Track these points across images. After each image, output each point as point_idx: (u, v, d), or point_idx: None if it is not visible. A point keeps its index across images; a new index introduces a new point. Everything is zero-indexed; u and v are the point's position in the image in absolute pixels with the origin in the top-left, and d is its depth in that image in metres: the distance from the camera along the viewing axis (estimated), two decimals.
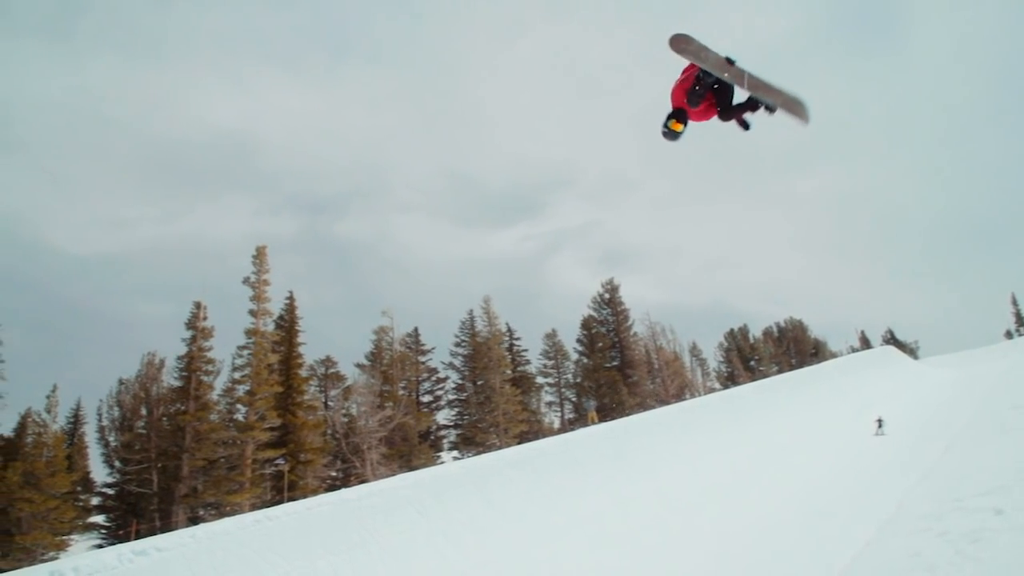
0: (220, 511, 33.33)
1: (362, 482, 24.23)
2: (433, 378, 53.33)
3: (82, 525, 39.32)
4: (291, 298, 44.74)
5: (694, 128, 6.27)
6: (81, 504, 41.42)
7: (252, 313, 38.43)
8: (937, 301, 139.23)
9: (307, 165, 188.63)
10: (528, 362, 59.68)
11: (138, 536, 28.48)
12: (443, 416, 52.43)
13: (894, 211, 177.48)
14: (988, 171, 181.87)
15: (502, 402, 48.27)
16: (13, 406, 46.68)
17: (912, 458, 16.25)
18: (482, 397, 49.68)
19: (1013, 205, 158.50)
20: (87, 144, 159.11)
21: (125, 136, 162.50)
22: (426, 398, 52.31)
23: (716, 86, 6.09)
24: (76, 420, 52.09)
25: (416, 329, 54.15)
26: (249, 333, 38.05)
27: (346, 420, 43.30)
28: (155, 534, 12.24)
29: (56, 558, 29.85)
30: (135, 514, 38.90)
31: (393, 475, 17.59)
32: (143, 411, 44.01)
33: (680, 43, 5.83)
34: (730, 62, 5.87)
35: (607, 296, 61.98)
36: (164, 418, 40.70)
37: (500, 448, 33.83)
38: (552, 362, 60.41)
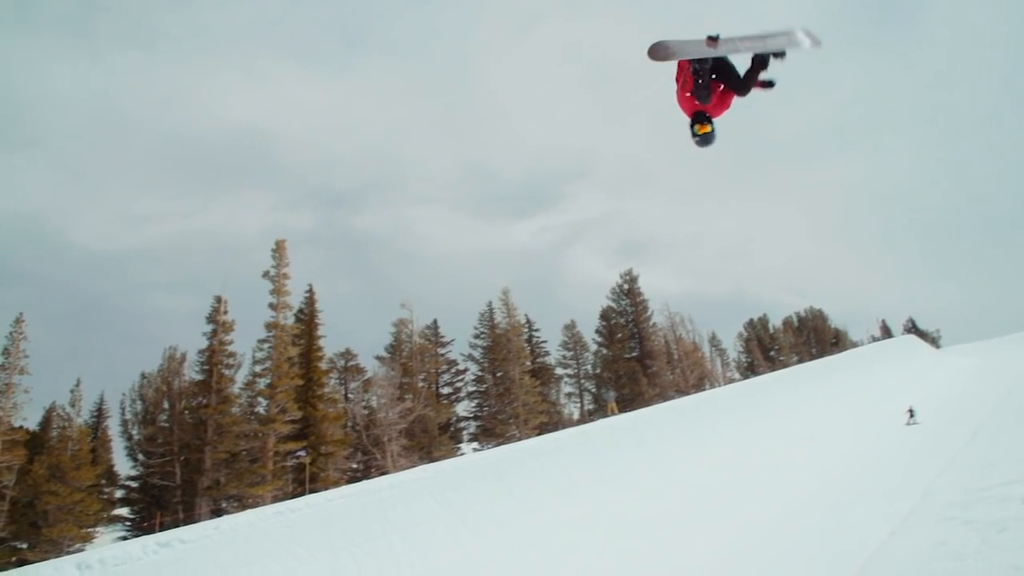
0: (242, 503, 33.59)
1: (383, 474, 24.30)
2: (452, 370, 53.42)
3: (107, 517, 39.80)
4: (311, 291, 44.95)
5: (721, 120, 5.89)
6: (105, 497, 41.94)
7: (272, 307, 38.66)
8: (959, 290, 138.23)
9: (324, 159, 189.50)
10: (547, 353, 59.75)
11: (162, 528, 28.75)
12: (463, 408, 52.56)
13: (916, 200, 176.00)
14: (1012, 159, 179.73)
15: (521, 393, 48.33)
16: (38, 401, 47.49)
17: (937, 447, 16.13)
18: (501, 388, 49.76)
19: None
20: (107, 141, 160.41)
21: (144, 133, 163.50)
22: (446, 390, 52.39)
23: (715, 70, 5.74)
24: (100, 414, 52.55)
25: (435, 321, 54.24)
26: (269, 327, 38.30)
27: (366, 412, 43.45)
28: (179, 526, 12.33)
29: (82, 550, 30.19)
30: (159, 506, 39.34)
31: (413, 467, 17.66)
32: (165, 405, 44.43)
33: (658, 52, 5.54)
34: (712, 39, 5.52)
35: (626, 286, 61.83)
36: (186, 411, 41.07)
37: (520, 439, 33.89)
38: (571, 353, 60.35)
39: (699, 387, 56.32)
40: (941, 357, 46.95)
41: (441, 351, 53.41)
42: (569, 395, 60.00)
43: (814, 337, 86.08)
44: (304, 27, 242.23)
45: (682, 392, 49.22)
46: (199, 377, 39.50)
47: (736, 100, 5.89)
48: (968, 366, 39.49)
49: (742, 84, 5.80)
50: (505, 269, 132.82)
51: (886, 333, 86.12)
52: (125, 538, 36.55)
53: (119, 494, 45.04)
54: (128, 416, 46.87)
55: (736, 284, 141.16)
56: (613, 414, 32.34)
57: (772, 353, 76.78)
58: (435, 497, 11.80)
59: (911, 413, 21.50)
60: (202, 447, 36.43)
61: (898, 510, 10.54)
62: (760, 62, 5.71)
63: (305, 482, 35.21)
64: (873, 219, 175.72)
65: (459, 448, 47.54)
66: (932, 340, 75.49)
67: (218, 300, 39.65)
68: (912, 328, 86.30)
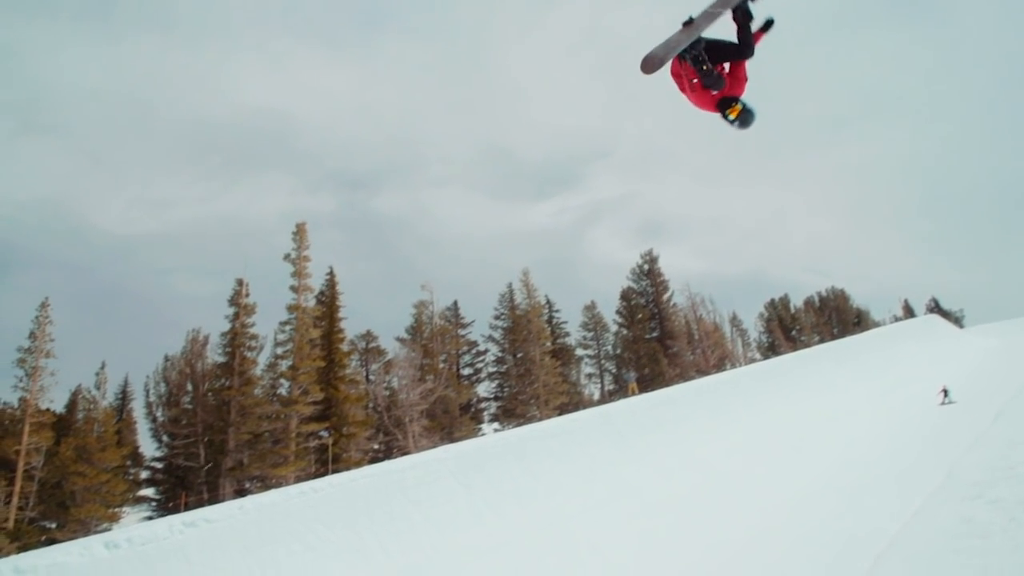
0: (266, 484, 33.94)
1: (404, 454, 24.47)
2: (473, 351, 53.70)
3: (133, 498, 40.43)
4: (331, 274, 45.25)
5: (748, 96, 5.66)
6: (131, 478, 42.55)
7: (293, 289, 38.92)
8: (983, 269, 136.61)
9: (343, 141, 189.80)
10: (567, 334, 59.90)
11: (187, 508, 29.16)
12: (483, 388, 52.95)
13: (940, 178, 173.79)
14: None
15: (542, 374, 48.44)
16: (64, 383, 48.09)
17: (960, 427, 16.03)
18: (522, 369, 49.90)
19: None
20: (127, 127, 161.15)
21: (163, 118, 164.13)
22: (466, 371, 52.69)
23: (709, 52, 5.50)
24: (124, 396, 53.22)
25: (455, 302, 54.55)
26: (291, 309, 38.58)
27: (387, 393, 43.73)
28: (203, 506, 12.46)
29: (109, 529, 30.67)
30: (183, 487, 39.84)
31: (435, 447, 17.76)
32: (189, 387, 44.99)
33: (651, 63, 5.32)
34: (687, 23, 5.38)
35: (646, 267, 61.69)
36: (209, 393, 41.52)
37: (540, 420, 34.01)
38: (591, 334, 60.45)
39: (720, 367, 56.07)
40: (964, 337, 46.46)
41: (461, 332, 53.67)
42: (589, 376, 60.23)
43: (835, 317, 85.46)
44: (323, 9, 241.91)
45: (703, 372, 49.15)
46: (222, 359, 39.84)
47: (749, 66, 5.72)
48: (992, 346, 39.12)
49: (742, 46, 5.66)
50: (525, 250, 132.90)
51: (908, 313, 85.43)
52: (151, 518, 37.09)
53: (144, 475, 45.73)
54: (152, 398, 47.56)
55: (757, 264, 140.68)
56: (633, 394, 32.33)
57: (793, 333, 76.37)
58: (457, 477, 11.85)
59: (945, 393, 21.21)
60: (225, 428, 36.82)
61: (922, 489, 10.49)
62: (742, 15, 5.57)
63: (327, 463, 35.49)
64: (897, 198, 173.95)
65: (480, 429, 47.79)
66: (955, 320, 74.71)
67: (240, 283, 39.98)
68: (935, 308, 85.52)
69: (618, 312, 60.07)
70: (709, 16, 5.43)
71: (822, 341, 61.92)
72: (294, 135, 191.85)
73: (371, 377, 47.30)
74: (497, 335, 53.65)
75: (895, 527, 8.85)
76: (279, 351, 38.76)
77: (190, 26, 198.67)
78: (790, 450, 16.26)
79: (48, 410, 36.70)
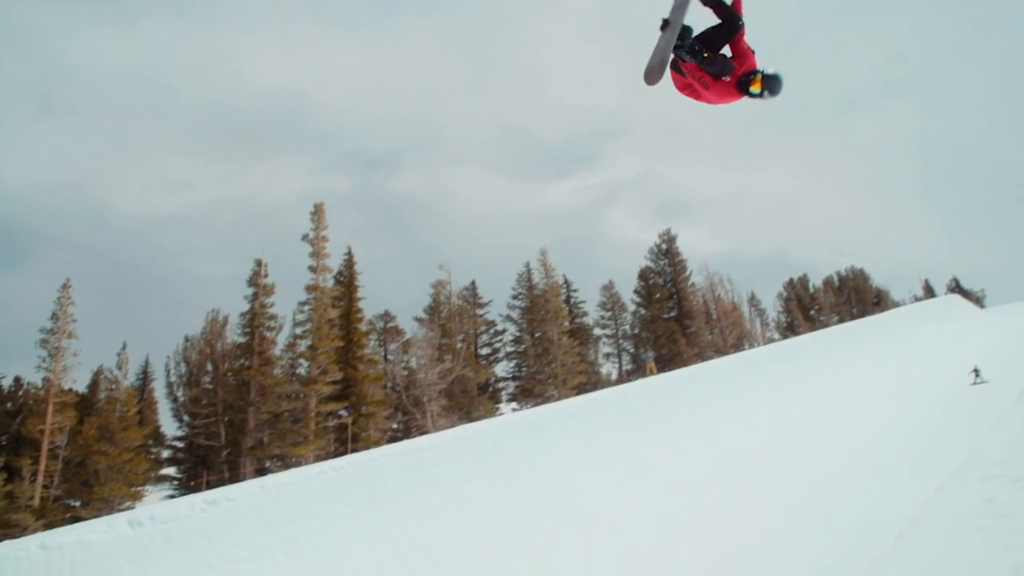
0: (286, 463, 34.20)
1: (423, 434, 24.60)
2: (491, 331, 53.66)
3: (155, 476, 40.95)
4: (349, 254, 45.25)
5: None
6: (153, 457, 43.07)
7: (312, 269, 38.99)
8: (1006, 248, 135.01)
9: (361, 121, 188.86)
10: (585, 314, 59.66)
11: (208, 487, 29.43)
12: (501, 368, 52.86)
13: (960, 155, 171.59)
14: None
15: (560, 354, 48.39)
16: (86, 364, 48.46)
17: (982, 407, 15.93)
18: (540, 349, 49.84)
19: None
20: (144, 109, 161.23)
21: (180, 99, 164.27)
22: (484, 350, 52.68)
23: (701, 43, 5.38)
24: (145, 376, 53.61)
25: (473, 282, 54.39)
26: (309, 289, 38.68)
27: (406, 373, 43.86)
28: (224, 485, 12.60)
29: (132, 507, 31.07)
30: (204, 465, 40.33)
31: (453, 427, 17.82)
32: (209, 367, 45.36)
33: (652, 76, 5.26)
34: (665, 22, 5.29)
35: (664, 247, 61.32)
36: (229, 373, 41.79)
37: (558, 399, 34.03)
38: (609, 313, 60.19)
39: (738, 347, 55.90)
40: (985, 317, 46.11)
41: (479, 312, 53.59)
42: (607, 355, 59.99)
43: (855, 297, 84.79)
44: None
45: (721, 352, 48.92)
46: (241, 340, 40.08)
47: (748, 37, 5.50)
48: (1014, 326, 38.79)
49: (727, 22, 5.51)
50: (543, 230, 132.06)
51: (929, 293, 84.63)
52: (173, 496, 37.54)
53: (166, 454, 46.27)
54: (173, 378, 47.99)
55: (775, 244, 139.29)
56: (651, 374, 32.35)
57: (812, 313, 75.89)
58: (475, 456, 11.92)
59: (976, 372, 21.09)
60: (245, 408, 37.10)
61: (943, 468, 10.43)
62: None
63: (347, 442, 35.72)
64: (917, 176, 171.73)
65: (498, 408, 47.81)
66: (976, 300, 74.01)
67: (258, 263, 40.08)
68: (956, 287, 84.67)
69: (636, 292, 59.82)
70: (680, 7, 5.36)
71: (841, 321, 61.61)
72: (311, 115, 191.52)
73: (389, 357, 47.41)
74: (515, 315, 53.57)
75: (915, 506, 8.81)
76: (298, 331, 38.97)
77: (205, 7, 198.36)
78: (809, 430, 16.23)
79: (71, 390, 37.11)
